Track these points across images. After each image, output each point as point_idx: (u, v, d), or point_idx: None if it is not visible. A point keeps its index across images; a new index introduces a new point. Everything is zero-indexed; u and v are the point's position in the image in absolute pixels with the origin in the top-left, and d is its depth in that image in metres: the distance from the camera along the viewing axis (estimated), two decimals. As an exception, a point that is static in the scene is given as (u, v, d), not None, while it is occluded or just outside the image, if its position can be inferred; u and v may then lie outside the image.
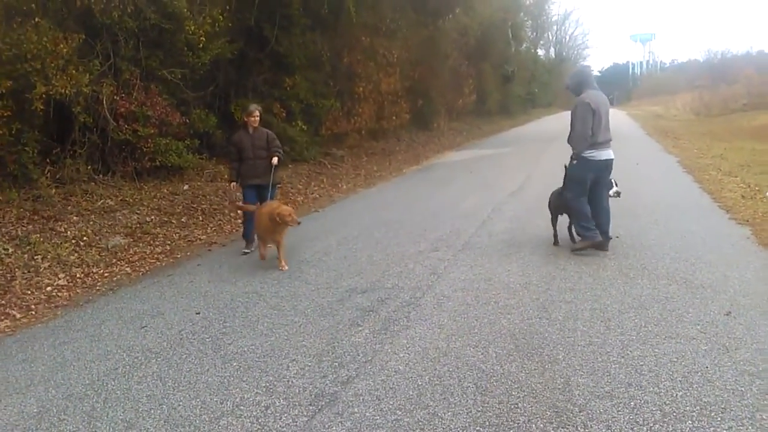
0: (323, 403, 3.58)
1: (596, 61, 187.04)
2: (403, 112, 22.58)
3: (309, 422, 3.37)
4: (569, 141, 6.95)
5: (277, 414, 3.48)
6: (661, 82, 76.52)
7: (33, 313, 5.70)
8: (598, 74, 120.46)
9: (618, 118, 43.55)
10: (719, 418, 3.17)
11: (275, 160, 7.51)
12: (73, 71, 8.55)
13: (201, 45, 10.99)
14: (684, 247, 6.62)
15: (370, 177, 15.05)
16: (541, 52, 70.03)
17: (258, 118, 7.65)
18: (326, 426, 3.32)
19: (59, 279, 6.62)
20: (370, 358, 4.18)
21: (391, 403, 3.54)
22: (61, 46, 8.27)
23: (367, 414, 3.42)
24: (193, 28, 10.64)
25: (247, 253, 7.56)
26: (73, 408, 3.72)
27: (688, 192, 10.29)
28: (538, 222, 8.28)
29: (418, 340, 4.46)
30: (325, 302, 5.45)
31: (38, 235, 7.49)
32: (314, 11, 14.55)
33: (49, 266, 6.88)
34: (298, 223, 6.74)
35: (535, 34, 61.88)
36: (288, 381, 3.91)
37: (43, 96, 8.12)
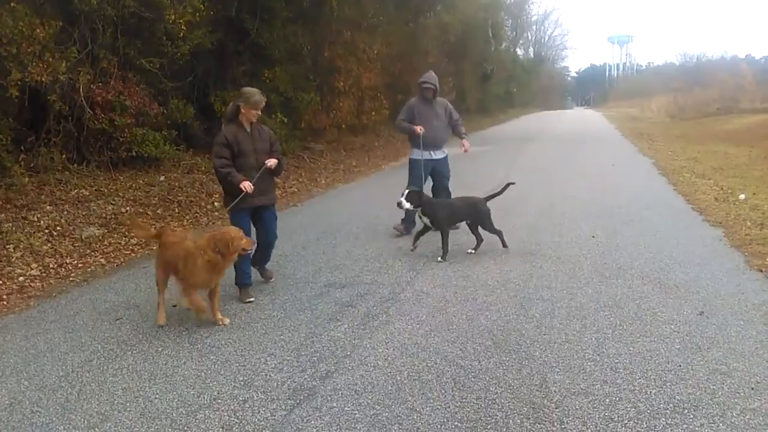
0: (302, 397, 3.57)
1: (574, 61, 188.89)
2: (382, 107, 22.53)
3: (287, 416, 3.36)
4: None
5: (255, 408, 3.47)
6: (637, 84, 77.47)
7: (4, 303, 5.59)
8: (575, 75, 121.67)
9: (594, 120, 44.13)
10: (691, 416, 3.24)
11: (273, 162, 5.45)
12: (50, 58, 8.38)
13: (181, 35, 10.85)
14: (658, 248, 6.73)
15: (349, 172, 15.02)
16: (520, 51, 70.42)
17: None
18: (304, 420, 3.32)
19: (32, 269, 6.50)
20: (348, 353, 4.18)
21: (370, 397, 3.54)
22: (38, 31, 8.10)
23: (346, 408, 3.42)
24: (173, 17, 10.47)
25: (251, 301, 5.39)
26: (46, 400, 3.66)
27: (662, 193, 10.45)
28: (515, 221, 8.35)
29: (397, 335, 4.48)
30: (303, 296, 5.44)
31: (10, 224, 7.35)
32: (296, 4, 14.47)
33: (21, 256, 6.75)
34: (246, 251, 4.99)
35: (514, 33, 62.15)
36: (266, 375, 3.89)
37: (18, 82, 7.95)
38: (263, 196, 5.47)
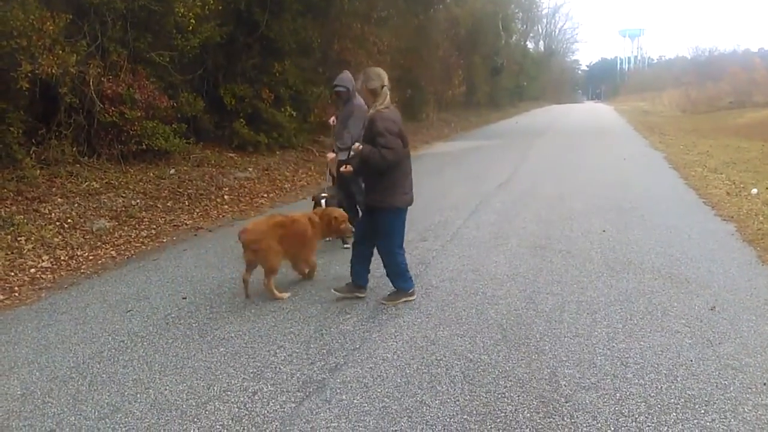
0: (311, 389, 3.58)
1: (585, 55, 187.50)
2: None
3: (297, 408, 3.37)
4: None
5: (265, 400, 3.48)
6: (649, 78, 76.79)
7: (16, 294, 5.63)
8: (586, 69, 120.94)
9: (605, 114, 43.86)
10: (703, 411, 3.22)
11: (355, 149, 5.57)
12: (60, 51, 8.40)
13: (190, 28, 10.84)
14: (669, 242, 6.68)
15: (358, 165, 14.97)
16: (530, 44, 70.07)
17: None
18: (314, 412, 3.32)
19: (43, 261, 6.54)
20: (358, 346, 4.19)
21: (379, 390, 3.54)
22: (48, 24, 8.12)
23: (355, 401, 3.43)
24: (182, 10, 10.48)
25: (362, 297, 5.20)
26: (57, 391, 3.69)
27: (674, 188, 10.38)
28: (525, 214, 8.33)
29: (406, 328, 4.47)
30: (313, 289, 5.44)
31: (22, 217, 7.39)
32: (306, -3, 14.42)
33: (32, 248, 6.80)
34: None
35: (525, 26, 61.83)
36: (276, 367, 3.90)
37: (29, 75, 7.98)
38: (360, 196, 5.23)
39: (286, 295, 5.25)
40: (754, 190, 9.36)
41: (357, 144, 4.87)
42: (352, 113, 7.17)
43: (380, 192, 4.83)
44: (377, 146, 4.66)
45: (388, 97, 4.92)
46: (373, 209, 4.95)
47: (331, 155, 7.34)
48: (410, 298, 5.07)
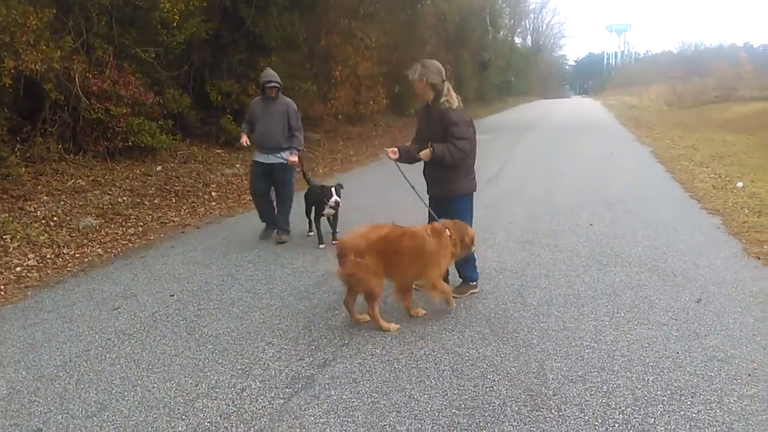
0: (300, 385, 3.58)
1: (572, 50, 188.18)
2: (380, 96, 22.40)
3: (285, 404, 3.36)
4: None
5: (253, 396, 3.47)
6: (636, 73, 77.08)
7: (2, 293, 5.58)
8: (574, 64, 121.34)
9: (592, 108, 44.02)
10: (689, 402, 3.24)
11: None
12: (44, 47, 8.31)
13: (175, 24, 10.77)
14: (656, 236, 6.73)
15: (347, 161, 14.97)
16: (518, 40, 70.23)
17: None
18: (303, 408, 3.32)
19: (29, 259, 6.48)
20: (346, 342, 4.18)
21: (368, 385, 3.54)
22: (32, 19, 8.03)
23: (344, 396, 3.43)
24: (167, 6, 10.39)
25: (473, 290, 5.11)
26: (44, 389, 3.66)
27: (660, 182, 10.46)
28: (513, 209, 8.36)
29: (395, 323, 4.47)
30: (301, 286, 5.43)
31: (7, 215, 7.32)
32: (292, -9, 14.36)
33: (18, 246, 6.73)
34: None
35: (512, 21, 61.89)
36: (264, 363, 3.89)
37: (13, 71, 7.90)
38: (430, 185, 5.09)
39: (394, 326, 4.39)
40: (740, 184, 9.44)
41: (426, 150, 4.74)
42: (293, 110, 7.22)
43: (454, 181, 4.85)
44: (451, 137, 4.61)
45: (453, 93, 4.75)
46: (445, 200, 4.95)
47: (294, 158, 7.16)
48: (474, 291, 5.09)
